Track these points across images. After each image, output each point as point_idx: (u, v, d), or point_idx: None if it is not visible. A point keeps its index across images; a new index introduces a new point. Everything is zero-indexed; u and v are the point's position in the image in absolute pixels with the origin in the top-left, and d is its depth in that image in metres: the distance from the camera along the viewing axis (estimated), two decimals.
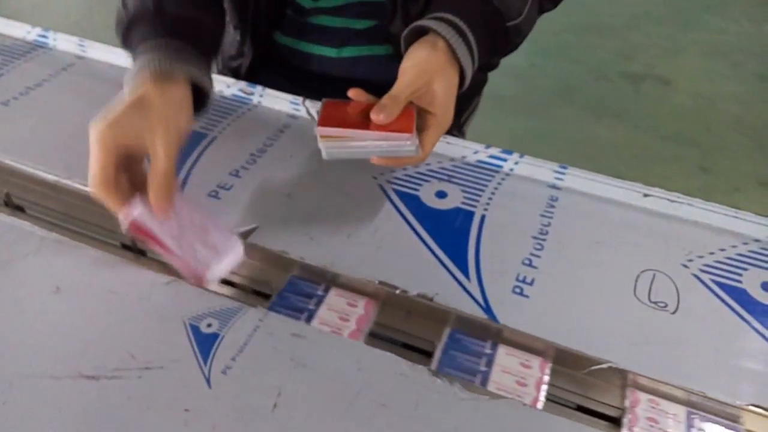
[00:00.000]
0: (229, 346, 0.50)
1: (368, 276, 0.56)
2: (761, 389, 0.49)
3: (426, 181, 0.67)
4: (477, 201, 0.65)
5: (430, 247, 0.60)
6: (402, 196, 0.65)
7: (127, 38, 0.60)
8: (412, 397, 0.48)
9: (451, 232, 0.61)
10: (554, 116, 2.30)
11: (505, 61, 0.82)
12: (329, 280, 0.57)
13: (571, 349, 0.51)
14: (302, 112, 0.75)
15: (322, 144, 0.55)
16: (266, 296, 0.57)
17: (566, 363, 0.52)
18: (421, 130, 0.56)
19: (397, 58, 0.58)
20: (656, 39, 2.84)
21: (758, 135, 2.31)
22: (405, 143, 0.54)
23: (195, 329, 0.51)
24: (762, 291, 0.58)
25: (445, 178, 0.68)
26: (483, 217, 0.63)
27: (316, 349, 0.50)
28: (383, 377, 0.49)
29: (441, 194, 0.66)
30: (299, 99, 0.75)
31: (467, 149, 0.70)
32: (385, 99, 0.54)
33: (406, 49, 0.58)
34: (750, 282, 0.58)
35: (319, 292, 0.56)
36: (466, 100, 0.87)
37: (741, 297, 0.57)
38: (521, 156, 0.69)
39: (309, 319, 0.54)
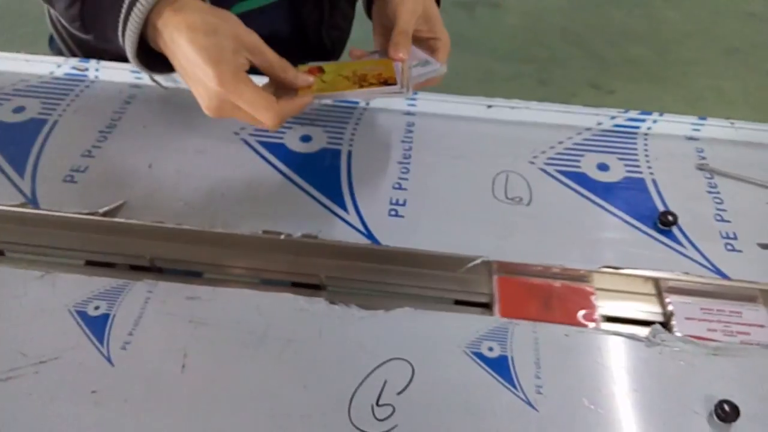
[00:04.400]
0: (122, 322, 0.50)
1: (251, 229, 0.57)
2: (610, 253, 0.57)
3: (288, 128, 0.68)
4: (341, 139, 0.67)
5: (306, 190, 0.62)
6: (268, 146, 0.66)
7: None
8: (314, 327, 0.50)
9: (322, 172, 0.64)
10: None
11: None
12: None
13: (446, 253, 0.56)
14: (145, 80, 0.72)
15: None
16: (147, 269, 0.56)
17: (446, 266, 0.57)
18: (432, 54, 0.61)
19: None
20: None
21: (585, 42, 2.52)
22: (436, 66, 0.60)
23: (82, 315, 0.50)
24: (598, 171, 0.66)
25: (307, 122, 0.69)
26: (350, 153, 0.66)
27: (213, 306, 0.51)
28: (284, 316, 0.51)
29: (306, 138, 0.67)
30: None
31: None
32: (396, 37, 0.57)
33: None
34: (587, 165, 0.66)
35: None
36: None
37: (582, 179, 0.65)
38: None
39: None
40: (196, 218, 0.58)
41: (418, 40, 0.61)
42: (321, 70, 0.58)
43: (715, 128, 0.70)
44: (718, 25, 2.68)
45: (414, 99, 0.72)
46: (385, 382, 0.47)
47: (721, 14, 2.76)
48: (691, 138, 0.70)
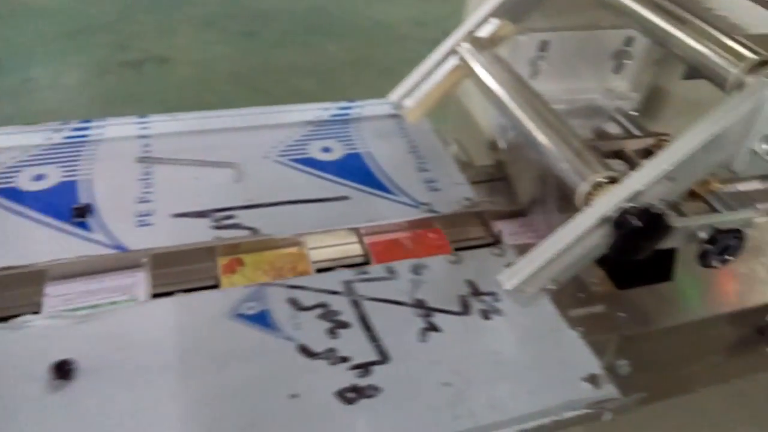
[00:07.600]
0: None
1: None
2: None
3: None
4: None
5: None
6: None
7: None
8: None
9: None
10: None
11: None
12: None
13: None
14: None
15: None
16: None
17: None
18: None
19: None
20: (149, 26, 2.99)
21: (254, 82, 2.67)
22: None
23: None
24: (34, 182, 0.67)
25: None
26: None
27: None
28: None
29: None
30: None
31: None
32: None
33: None
34: (23, 180, 0.68)
35: None
36: None
37: (13, 194, 0.66)
38: None
39: None
40: None
41: None
42: None
43: (161, 123, 0.76)
44: (374, 51, 3.03)
45: None
46: None
47: (376, 42, 3.12)
48: (141, 136, 0.75)
